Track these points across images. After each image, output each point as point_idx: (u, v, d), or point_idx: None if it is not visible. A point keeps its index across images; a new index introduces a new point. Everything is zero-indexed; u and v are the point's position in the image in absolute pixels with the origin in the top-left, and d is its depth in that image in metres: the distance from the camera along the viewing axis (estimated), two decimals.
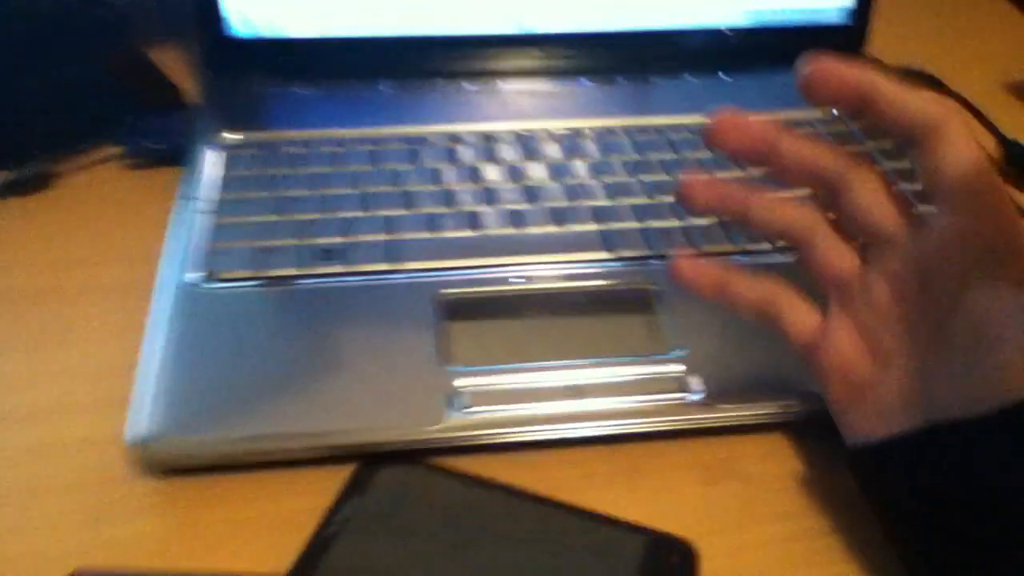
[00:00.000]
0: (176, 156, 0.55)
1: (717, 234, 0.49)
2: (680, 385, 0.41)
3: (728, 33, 0.64)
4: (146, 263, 0.47)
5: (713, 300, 0.38)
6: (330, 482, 0.38)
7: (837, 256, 0.37)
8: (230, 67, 0.61)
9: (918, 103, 0.33)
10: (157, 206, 0.51)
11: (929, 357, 0.35)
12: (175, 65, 0.65)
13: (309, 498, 0.38)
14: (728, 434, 0.42)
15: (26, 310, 0.47)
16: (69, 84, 0.62)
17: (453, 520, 0.37)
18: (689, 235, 0.49)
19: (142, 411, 0.39)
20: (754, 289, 0.38)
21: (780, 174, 0.37)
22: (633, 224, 0.50)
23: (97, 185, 0.56)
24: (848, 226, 0.37)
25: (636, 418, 0.40)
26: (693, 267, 0.38)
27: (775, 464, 0.41)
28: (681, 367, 0.42)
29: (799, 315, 0.38)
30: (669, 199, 0.52)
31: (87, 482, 0.39)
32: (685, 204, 0.37)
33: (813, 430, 0.41)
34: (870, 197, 0.35)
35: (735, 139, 0.36)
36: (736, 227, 0.49)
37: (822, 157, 0.36)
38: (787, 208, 0.37)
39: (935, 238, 0.34)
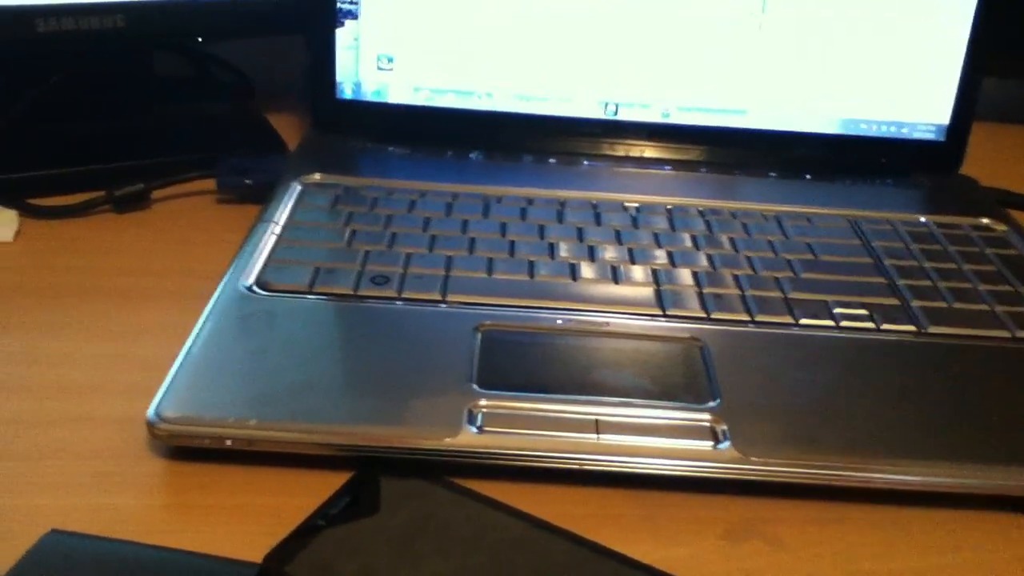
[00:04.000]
0: (265, 194, 0.58)
1: (775, 305, 0.48)
2: (711, 433, 0.39)
3: (818, 140, 0.64)
4: (214, 277, 0.48)
5: None
6: (333, 485, 0.38)
7: None
8: (334, 126, 0.65)
9: None
10: (238, 234, 0.53)
11: None
12: (287, 121, 0.70)
13: (307, 497, 0.37)
14: (759, 494, 0.39)
15: (95, 305, 0.49)
16: (185, 123, 0.67)
17: (444, 532, 0.35)
18: (747, 303, 0.48)
19: (167, 394, 0.40)
20: None
21: None
22: (690, 287, 0.49)
23: (188, 211, 0.59)
24: None
25: (659, 458, 0.38)
26: None
27: (804, 529, 0.38)
28: (716, 417, 0.40)
29: None
30: (731, 271, 0.50)
31: (101, 454, 0.40)
32: None
33: (847, 495, 0.38)
34: None
35: None
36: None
37: None
38: None
39: None
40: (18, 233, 0.55)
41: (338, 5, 0.62)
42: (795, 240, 0.54)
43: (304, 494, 0.37)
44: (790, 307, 0.48)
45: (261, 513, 0.37)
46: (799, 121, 0.63)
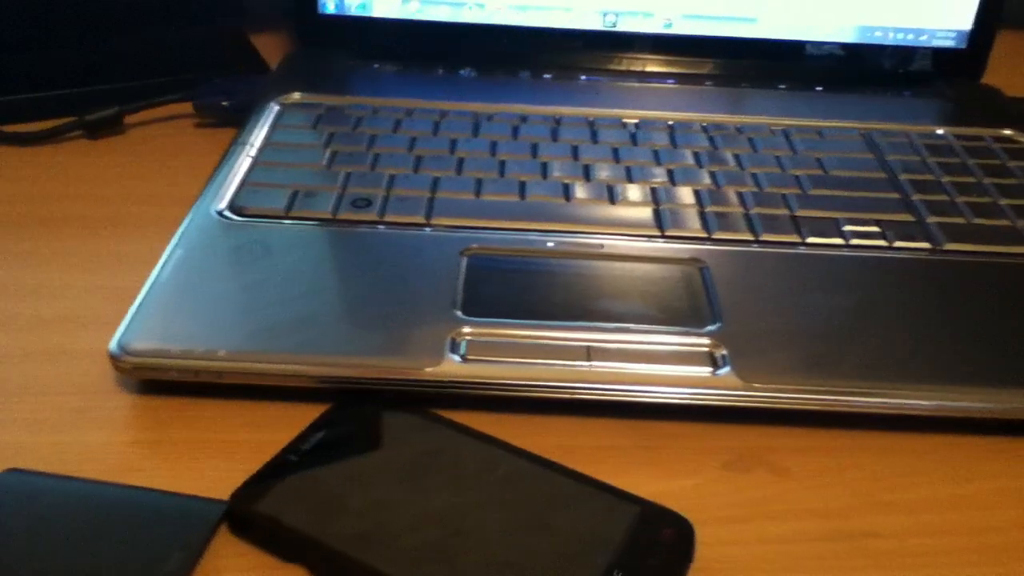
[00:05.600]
0: (244, 117, 0.55)
1: (781, 223, 0.45)
2: (711, 359, 0.37)
3: (832, 49, 0.60)
4: (185, 203, 0.46)
5: None
6: (310, 418, 0.35)
7: None
8: (317, 43, 0.61)
9: None
10: (214, 157, 0.51)
11: None
12: (270, 41, 0.66)
13: (282, 431, 0.35)
14: (763, 422, 0.36)
15: (63, 233, 0.47)
16: (162, 45, 0.63)
17: (425, 465, 0.33)
18: (751, 222, 0.45)
19: (132, 325, 0.37)
20: None
21: None
22: (691, 206, 0.46)
23: (164, 136, 0.57)
24: None
25: (655, 386, 0.36)
26: None
27: (812, 459, 0.35)
28: (715, 342, 0.37)
29: None
30: (735, 188, 0.47)
31: (69, 389, 0.38)
32: None
33: (858, 422, 0.36)
34: None
35: None
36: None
37: None
38: None
39: None
40: None
41: None
42: (803, 155, 0.51)
43: (279, 428, 0.35)
44: (797, 225, 0.45)
45: (234, 449, 0.35)
46: (812, 30, 0.59)
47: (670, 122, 0.54)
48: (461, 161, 0.49)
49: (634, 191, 0.47)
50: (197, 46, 0.65)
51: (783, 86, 0.59)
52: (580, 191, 0.47)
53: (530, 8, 0.60)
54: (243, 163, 0.48)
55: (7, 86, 0.58)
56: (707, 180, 0.48)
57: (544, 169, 0.49)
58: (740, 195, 0.47)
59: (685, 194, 0.47)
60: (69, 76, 0.60)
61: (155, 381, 0.37)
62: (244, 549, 0.31)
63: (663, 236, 0.44)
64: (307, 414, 0.36)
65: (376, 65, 0.60)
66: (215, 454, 0.35)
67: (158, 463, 0.35)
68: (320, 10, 0.61)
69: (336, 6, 0.61)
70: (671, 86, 0.59)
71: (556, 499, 0.32)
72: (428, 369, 0.36)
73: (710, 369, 0.36)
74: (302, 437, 0.34)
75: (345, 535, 0.30)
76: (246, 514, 0.31)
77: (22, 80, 0.59)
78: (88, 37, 0.64)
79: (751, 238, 0.44)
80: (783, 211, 0.46)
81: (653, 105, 0.56)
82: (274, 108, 0.54)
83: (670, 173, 0.49)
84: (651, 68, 0.61)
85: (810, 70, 0.60)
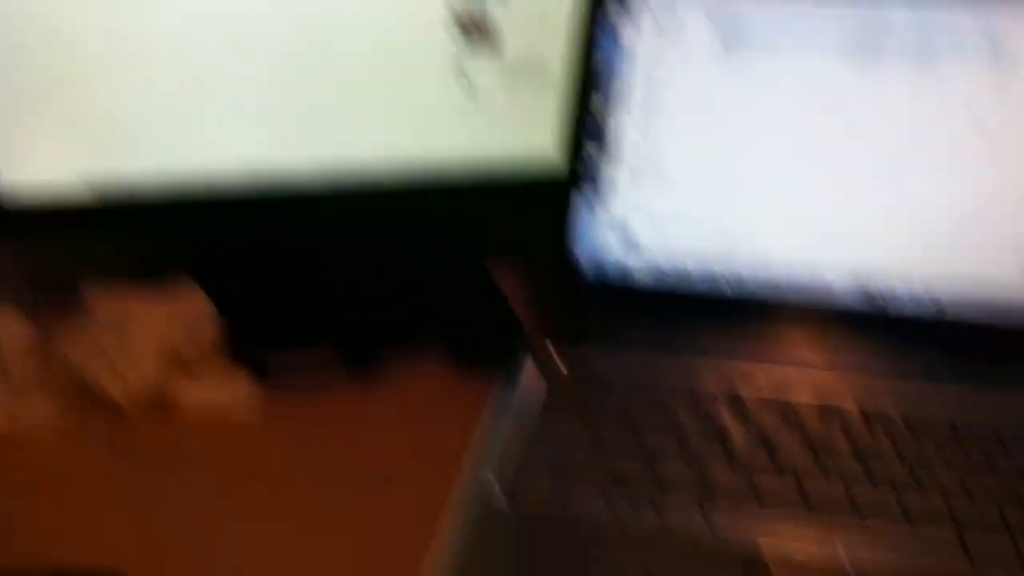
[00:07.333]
0: (498, 362, 0.55)
1: None
2: None
3: None
4: (451, 458, 0.46)
5: None
6: None
7: None
8: (570, 306, 0.61)
9: None
10: (470, 409, 0.51)
11: None
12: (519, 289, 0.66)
13: None
14: None
15: (332, 489, 0.47)
16: (421, 288, 0.65)
17: None
18: None
19: None
20: None
21: None
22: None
23: (420, 378, 0.57)
24: None
25: None
26: None
27: None
28: None
29: None
30: None
31: None
32: None
33: None
34: None
35: None
36: None
37: None
38: None
39: None
40: (253, 397, 0.54)
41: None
42: None
43: None
44: None
45: None
46: None
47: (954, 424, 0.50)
48: (734, 459, 0.47)
49: (930, 496, 0.43)
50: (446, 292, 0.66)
51: None
52: (866, 492, 0.44)
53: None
54: (511, 439, 0.48)
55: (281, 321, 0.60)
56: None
57: (823, 466, 0.46)
58: None
59: (1000, 531, 0.42)
60: (333, 314, 0.61)
61: None
62: None
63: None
64: None
65: (626, 323, 0.58)
66: None
67: None
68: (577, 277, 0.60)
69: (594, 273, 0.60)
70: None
71: None
72: None
73: None
74: None
75: None
76: None
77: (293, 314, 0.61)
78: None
79: None
80: None
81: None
82: (530, 370, 0.53)
83: (968, 492, 0.45)
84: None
85: None
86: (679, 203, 0.57)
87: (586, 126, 0.57)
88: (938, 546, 0.41)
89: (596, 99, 0.57)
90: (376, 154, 0.59)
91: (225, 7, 0.52)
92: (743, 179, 0.55)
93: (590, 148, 0.57)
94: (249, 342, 0.57)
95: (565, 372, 0.54)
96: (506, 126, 0.61)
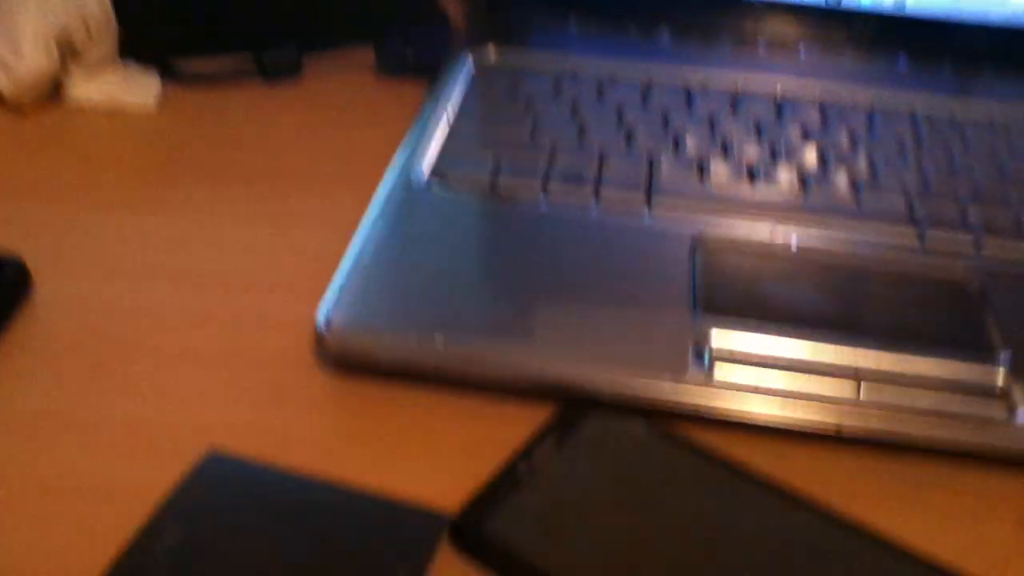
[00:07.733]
0: (429, 70, 0.51)
1: None
2: (1005, 398, 0.31)
3: None
4: (377, 161, 0.43)
5: None
6: (522, 417, 0.32)
7: None
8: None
9: None
10: (401, 112, 0.47)
11: None
12: None
13: (496, 427, 0.31)
14: None
15: (251, 188, 0.44)
16: None
17: (668, 493, 0.29)
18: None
19: (339, 299, 0.34)
20: None
21: None
22: (954, 207, 0.40)
23: (345, 84, 0.53)
24: None
25: (937, 427, 0.31)
26: None
27: None
28: (1008, 377, 0.32)
29: None
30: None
31: (268, 361, 0.35)
32: None
33: None
34: None
35: None
36: None
37: None
38: None
39: None
40: (160, 99, 0.50)
41: None
42: None
43: (492, 424, 0.32)
44: None
45: (442, 447, 0.31)
46: None
47: (913, 112, 0.48)
48: (677, 138, 0.44)
49: (887, 185, 0.41)
50: None
51: None
52: (819, 180, 0.41)
53: None
54: (440, 125, 0.44)
55: (187, 21, 0.55)
56: (981, 180, 0.42)
57: (773, 152, 0.43)
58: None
59: (948, 197, 0.41)
60: (248, 17, 0.56)
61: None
62: (464, 569, 0.28)
63: (923, 248, 0.38)
64: (515, 412, 0.32)
65: (563, 20, 0.54)
66: (421, 451, 0.31)
67: (361, 453, 0.31)
68: None
69: None
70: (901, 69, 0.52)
71: (822, 551, 0.27)
72: (670, 384, 0.31)
73: (1006, 413, 0.31)
74: (529, 450, 0.30)
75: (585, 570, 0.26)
76: (476, 534, 0.28)
77: (201, 15, 0.56)
78: None
79: None
80: None
81: (888, 89, 0.50)
82: (468, 66, 0.49)
83: (921, 169, 0.43)
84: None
85: None
86: None
87: None
88: (892, 236, 0.39)
89: None
90: None
91: None
92: None
93: None
94: (155, 46, 0.52)
95: (497, 66, 0.50)
96: None
